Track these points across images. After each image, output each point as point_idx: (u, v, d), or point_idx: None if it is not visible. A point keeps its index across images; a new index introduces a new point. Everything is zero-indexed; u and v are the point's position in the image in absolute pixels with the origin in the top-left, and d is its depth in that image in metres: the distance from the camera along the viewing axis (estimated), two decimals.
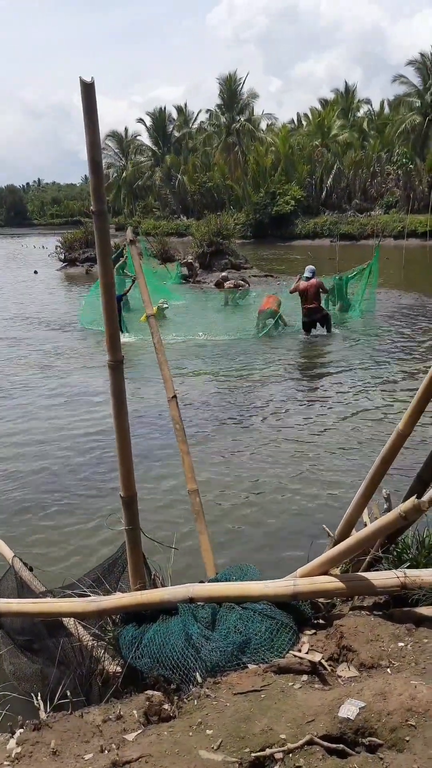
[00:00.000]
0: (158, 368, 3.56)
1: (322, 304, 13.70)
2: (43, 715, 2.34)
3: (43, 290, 23.99)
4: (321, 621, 2.67)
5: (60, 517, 5.44)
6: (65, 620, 2.93)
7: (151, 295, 3.75)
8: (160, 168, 66.66)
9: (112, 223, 49.88)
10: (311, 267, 13.50)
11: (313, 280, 13.12)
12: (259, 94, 61.65)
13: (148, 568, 3.10)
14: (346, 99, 57.96)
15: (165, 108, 68.97)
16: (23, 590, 3.25)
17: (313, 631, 2.58)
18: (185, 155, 65.19)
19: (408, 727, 1.83)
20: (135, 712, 2.24)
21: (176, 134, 68.41)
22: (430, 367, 2.51)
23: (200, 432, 7.37)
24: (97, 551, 4.64)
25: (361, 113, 59.04)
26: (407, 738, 1.80)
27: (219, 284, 20.98)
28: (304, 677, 2.25)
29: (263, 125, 62.18)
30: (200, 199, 59.81)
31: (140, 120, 71.13)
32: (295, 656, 2.35)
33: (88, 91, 2.22)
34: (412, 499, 2.24)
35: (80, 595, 2.85)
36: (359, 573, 2.75)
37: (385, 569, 2.75)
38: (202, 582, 2.83)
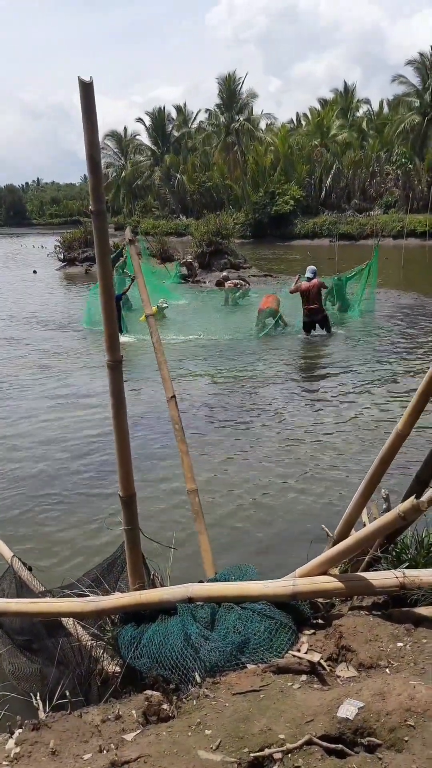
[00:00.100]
0: (158, 368, 3.56)
1: (322, 304, 13.72)
2: (42, 715, 2.34)
3: (43, 290, 23.98)
4: (320, 621, 2.67)
5: (59, 517, 5.44)
6: (64, 620, 2.93)
7: (150, 294, 3.75)
8: (159, 168, 66.63)
9: (111, 222, 49.87)
10: (313, 267, 13.50)
11: (315, 281, 13.13)
12: (258, 93, 61.72)
13: (147, 568, 3.09)
14: (345, 99, 57.92)
15: (164, 108, 68.98)
16: (22, 590, 3.25)
17: (312, 631, 2.58)
18: (184, 155, 65.17)
19: (407, 727, 1.83)
20: (134, 712, 2.24)
21: (175, 134, 68.37)
22: (429, 368, 2.51)
23: (200, 433, 7.37)
24: (96, 551, 4.63)
25: (360, 113, 59.03)
26: (406, 738, 1.80)
27: (220, 283, 21.01)
28: (303, 677, 2.25)
29: (262, 125, 62.17)
30: (199, 199, 59.81)
31: (139, 120, 71.09)
32: (294, 656, 2.35)
33: (86, 90, 2.22)
34: (411, 500, 2.24)
35: (79, 595, 2.85)
36: (358, 573, 2.76)
37: (384, 569, 2.76)
38: (201, 582, 2.83)
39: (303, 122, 62.20)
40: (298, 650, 2.40)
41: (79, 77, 2.19)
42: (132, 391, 8.83)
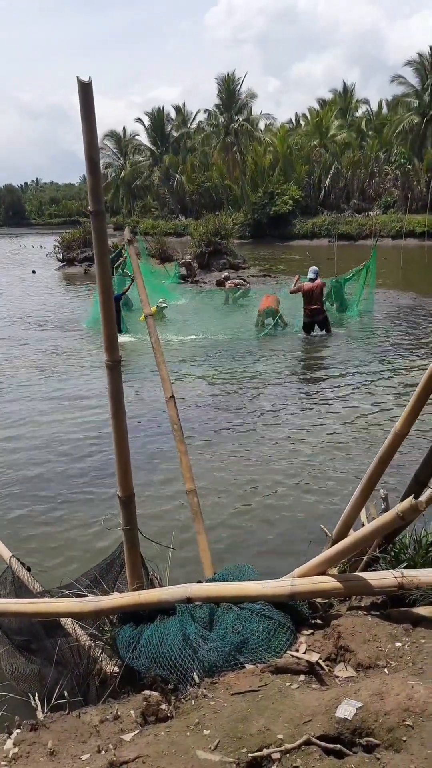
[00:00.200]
0: (156, 368, 3.56)
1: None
2: (40, 715, 2.34)
3: (42, 290, 23.98)
4: (318, 621, 2.67)
5: (58, 517, 5.43)
6: (63, 620, 2.93)
7: (149, 294, 3.75)
8: (158, 168, 66.62)
9: (110, 222, 49.89)
10: (315, 268, 13.51)
11: (318, 281, 13.14)
12: (257, 94, 61.76)
13: (146, 568, 3.09)
14: (344, 99, 57.93)
15: (163, 108, 69.00)
16: (21, 590, 3.24)
17: (311, 631, 2.58)
18: (183, 155, 65.17)
19: (405, 727, 1.83)
20: (132, 712, 2.24)
21: (174, 134, 68.38)
22: (428, 368, 2.51)
23: (199, 433, 7.37)
24: (95, 551, 4.63)
25: (359, 113, 59.06)
26: (404, 738, 1.80)
27: (220, 283, 21.03)
28: (302, 677, 2.25)
29: (261, 125, 62.24)
30: (198, 199, 59.80)
31: (138, 120, 71.08)
32: (292, 656, 2.35)
33: (85, 91, 2.22)
34: (410, 499, 2.24)
35: (78, 595, 2.84)
36: (357, 573, 2.76)
37: (383, 569, 2.76)
38: (199, 582, 2.83)
39: (302, 122, 62.20)
40: (297, 650, 2.40)
41: (78, 77, 2.19)
42: (131, 392, 8.82)
